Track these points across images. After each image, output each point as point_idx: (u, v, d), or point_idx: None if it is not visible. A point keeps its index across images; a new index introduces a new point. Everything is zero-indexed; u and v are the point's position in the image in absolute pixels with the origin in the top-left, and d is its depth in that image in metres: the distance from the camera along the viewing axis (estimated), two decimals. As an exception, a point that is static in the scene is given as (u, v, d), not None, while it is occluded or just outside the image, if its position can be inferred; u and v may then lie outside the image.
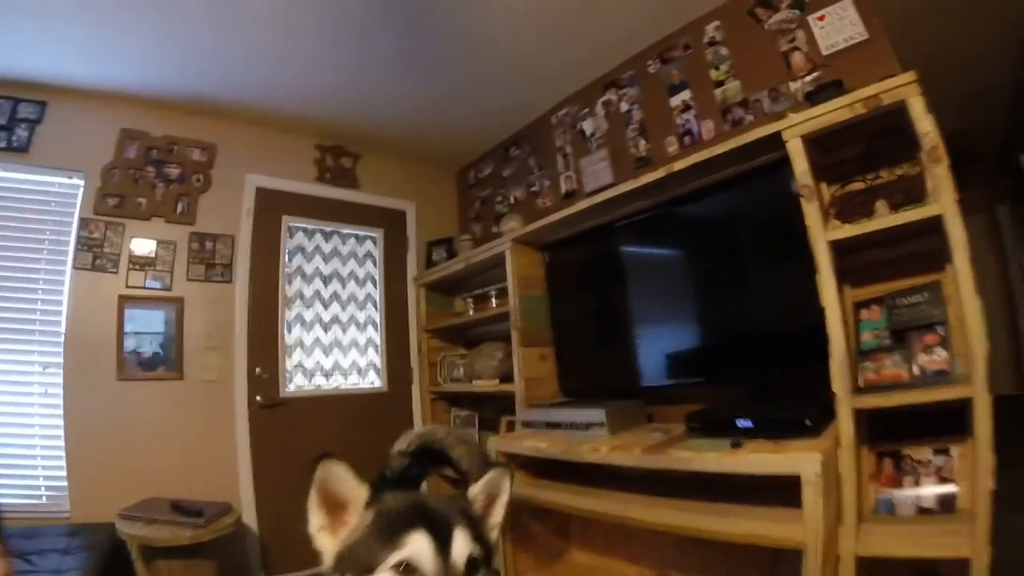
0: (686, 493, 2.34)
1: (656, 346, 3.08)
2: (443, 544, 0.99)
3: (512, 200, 4.67)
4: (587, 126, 3.97)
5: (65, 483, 3.48)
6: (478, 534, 1.08)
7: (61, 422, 3.55)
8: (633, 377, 3.13)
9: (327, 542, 1.11)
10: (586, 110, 3.99)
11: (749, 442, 2.07)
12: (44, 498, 3.43)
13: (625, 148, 3.67)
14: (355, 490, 1.10)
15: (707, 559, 2.50)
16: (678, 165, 2.69)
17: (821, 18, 2.72)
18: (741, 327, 2.70)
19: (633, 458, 2.35)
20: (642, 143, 3.56)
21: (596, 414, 2.81)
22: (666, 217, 3.01)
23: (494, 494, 1.22)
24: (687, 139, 3.27)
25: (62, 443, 3.53)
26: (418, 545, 0.97)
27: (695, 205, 2.85)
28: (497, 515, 1.22)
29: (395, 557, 0.96)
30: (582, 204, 3.28)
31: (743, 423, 2.16)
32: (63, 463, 3.52)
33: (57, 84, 3.76)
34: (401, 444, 1.89)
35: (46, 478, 3.53)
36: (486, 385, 4.05)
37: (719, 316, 2.81)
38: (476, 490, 1.19)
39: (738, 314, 2.72)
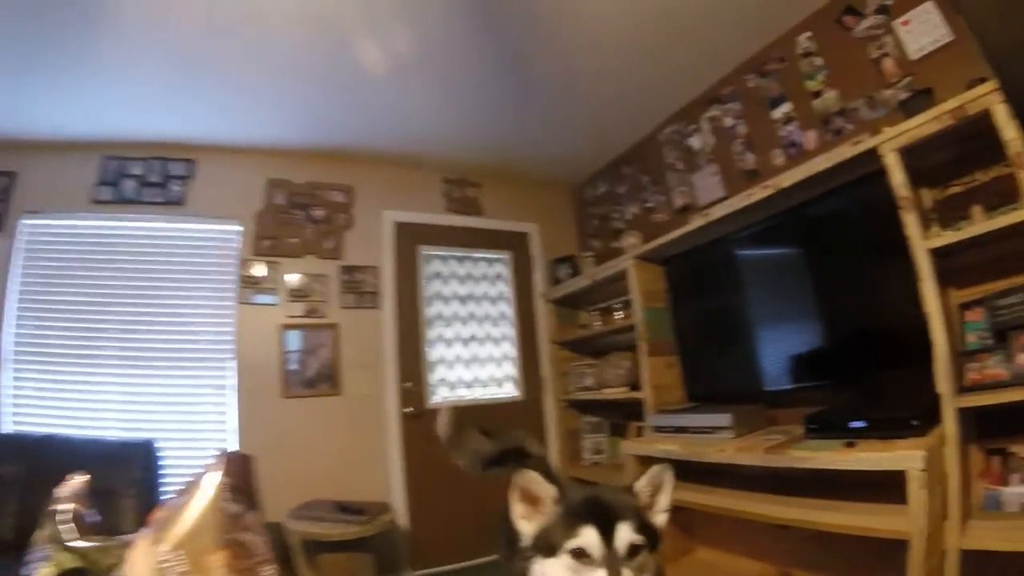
0: (802, 491, 2.45)
1: (772, 352, 3.16)
2: (608, 534, 1.16)
3: (628, 216, 4.79)
4: (695, 142, 4.06)
5: None
6: (642, 523, 1.23)
7: (231, 436, 4.08)
8: (754, 381, 3.21)
9: (526, 527, 1.32)
10: (692, 126, 4.07)
11: (861, 441, 2.17)
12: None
13: (733, 162, 3.73)
14: (546, 489, 1.30)
15: (825, 555, 2.58)
16: (786, 182, 2.79)
17: (906, 23, 2.71)
18: (853, 331, 2.73)
19: (756, 458, 2.48)
20: (749, 156, 3.61)
21: (723, 418, 2.92)
22: (778, 226, 3.07)
23: (658, 485, 1.34)
24: (792, 150, 3.31)
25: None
26: (588, 536, 1.16)
27: (805, 212, 2.89)
28: (662, 503, 1.35)
29: (572, 544, 1.17)
30: (700, 220, 3.37)
31: (855, 424, 2.25)
32: None
33: (204, 144, 4.31)
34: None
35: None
36: (615, 393, 4.20)
37: (831, 321, 2.83)
38: (642, 483, 1.32)
39: (849, 318, 2.75)
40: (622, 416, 4.52)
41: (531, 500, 1.33)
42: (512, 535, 1.37)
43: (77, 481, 2.08)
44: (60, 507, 1.84)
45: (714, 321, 3.57)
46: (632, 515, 1.23)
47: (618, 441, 4.56)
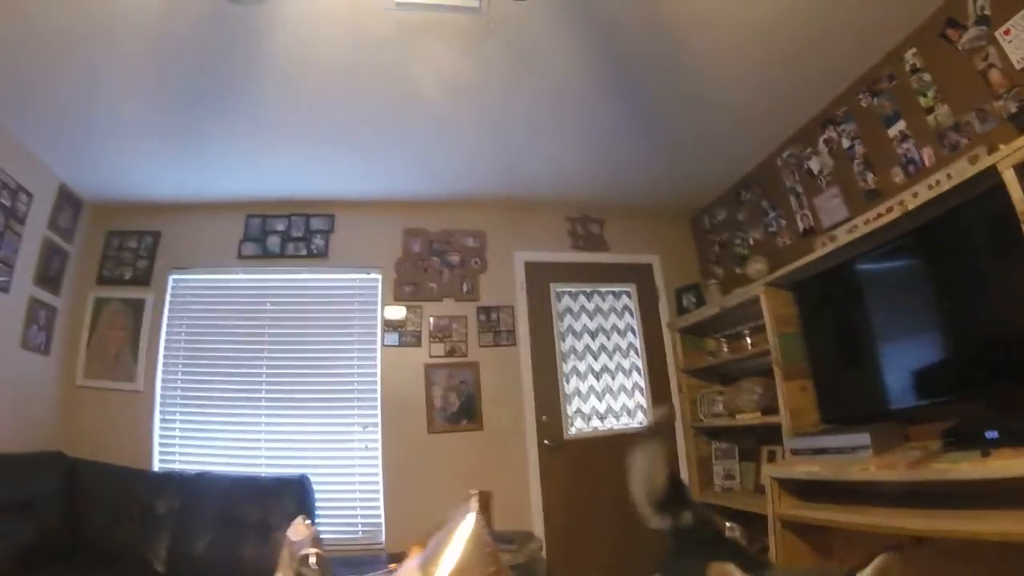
0: (939, 504, 2.51)
1: (902, 370, 3.21)
2: None
3: (751, 241, 4.98)
4: (813, 165, 4.20)
5: (380, 520, 4.50)
6: None
7: (378, 470, 4.57)
8: (886, 400, 3.27)
9: None
10: (809, 149, 4.22)
11: (996, 451, 2.27)
12: (360, 532, 4.44)
13: (854, 182, 3.84)
14: None
15: (968, 569, 2.63)
16: (911, 203, 2.85)
17: (1007, 32, 2.75)
18: (981, 344, 2.78)
19: (898, 474, 2.55)
20: (869, 176, 3.71)
21: (861, 438, 3.00)
22: (904, 244, 3.09)
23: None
24: (911, 168, 3.38)
25: (378, 487, 4.58)
26: None
27: (929, 228, 2.91)
28: None
29: None
30: (828, 244, 3.51)
31: (990, 435, 2.34)
32: (379, 503, 4.53)
33: (343, 199, 4.96)
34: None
35: (363, 516, 4.54)
36: (749, 418, 4.32)
37: (959, 336, 2.89)
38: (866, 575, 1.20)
39: (977, 332, 2.80)
40: (753, 441, 4.69)
41: None
42: None
43: (305, 524, 2.09)
44: (304, 552, 1.84)
45: (846, 343, 3.64)
46: None
47: (749, 466, 4.78)
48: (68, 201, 4.55)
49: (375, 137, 4.13)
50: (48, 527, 3.53)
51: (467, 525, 1.50)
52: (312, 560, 1.81)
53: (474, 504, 1.57)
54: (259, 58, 3.23)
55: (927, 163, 3.31)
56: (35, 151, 4.09)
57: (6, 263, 3.90)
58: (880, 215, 3.33)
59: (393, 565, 1.97)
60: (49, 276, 4.37)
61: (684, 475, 5.01)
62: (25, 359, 4.15)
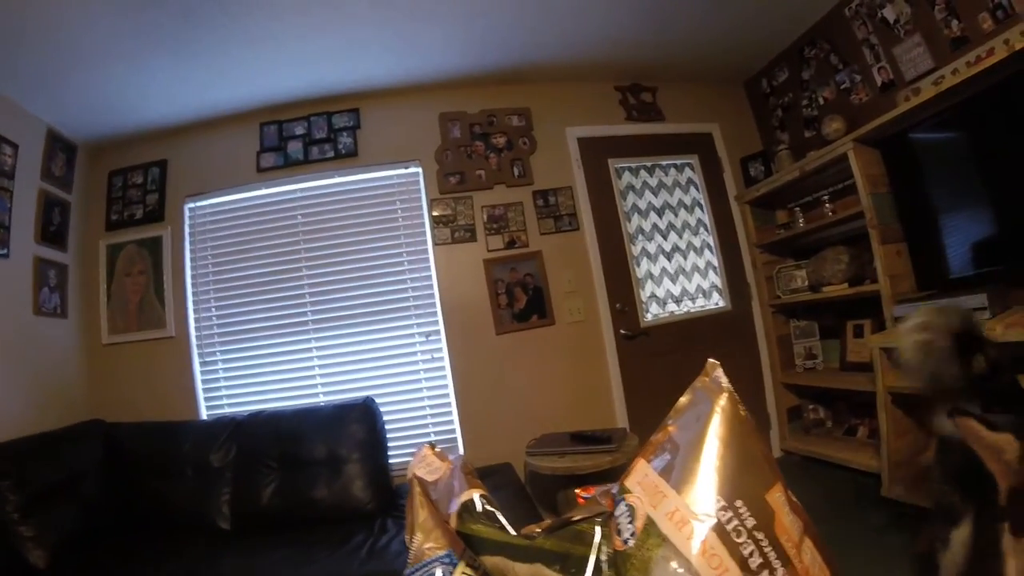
0: None
1: (1015, 228, 3.53)
2: None
3: (820, 101, 5.42)
4: (888, 13, 4.51)
5: (455, 435, 5.03)
6: None
7: (447, 382, 5.13)
8: (993, 261, 3.67)
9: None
10: None
11: None
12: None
13: (937, 30, 4.17)
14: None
15: None
16: (1019, 44, 3.19)
17: None
18: None
19: None
20: (954, 23, 4.04)
21: (977, 299, 3.36)
22: (1001, 92, 3.40)
23: None
24: (999, 13, 3.74)
25: (449, 400, 5.12)
26: None
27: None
28: None
29: None
30: (924, 94, 3.80)
31: None
32: (451, 417, 5.10)
33: (367, 89, 5.36)
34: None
35: (436, 433, 5.04)
36: (837, 290, 4.79)
37: None
38: None
39: None
40: (834, 317, 5.35)
41: None
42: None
43: (436, 452, 2.02)
44: (463, 499, 1.70)
45: (942, 201, 4.00)
46: None
47: (832, 344, 5.45)
48: (59, 146, 4.97)
49: (401, 7, 4.25)
50: (96, 505, 3.91)
51: (720, 409, 1.43)
52: (479, 503, 1.68)
53: (722, 377, 1.51)
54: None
55: (1018, 9, 3.68)
56: (11, 95, 4.40)
57: (0, 225, 4.27)
58: (969, 64, 3.77)
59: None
60: (52, 231, 4.81)
61: (764, 357, 5.75)
62: (42, 326, 4.61)
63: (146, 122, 5.21)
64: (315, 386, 5.17)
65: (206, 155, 5.43)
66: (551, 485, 4.10)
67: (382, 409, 4.67)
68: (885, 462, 4.02)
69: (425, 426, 5.13)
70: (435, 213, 5.34)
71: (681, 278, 5.77)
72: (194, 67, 4.56)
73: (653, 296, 5.65)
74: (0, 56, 3.95)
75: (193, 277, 5.29)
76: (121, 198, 5.32)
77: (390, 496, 4.28)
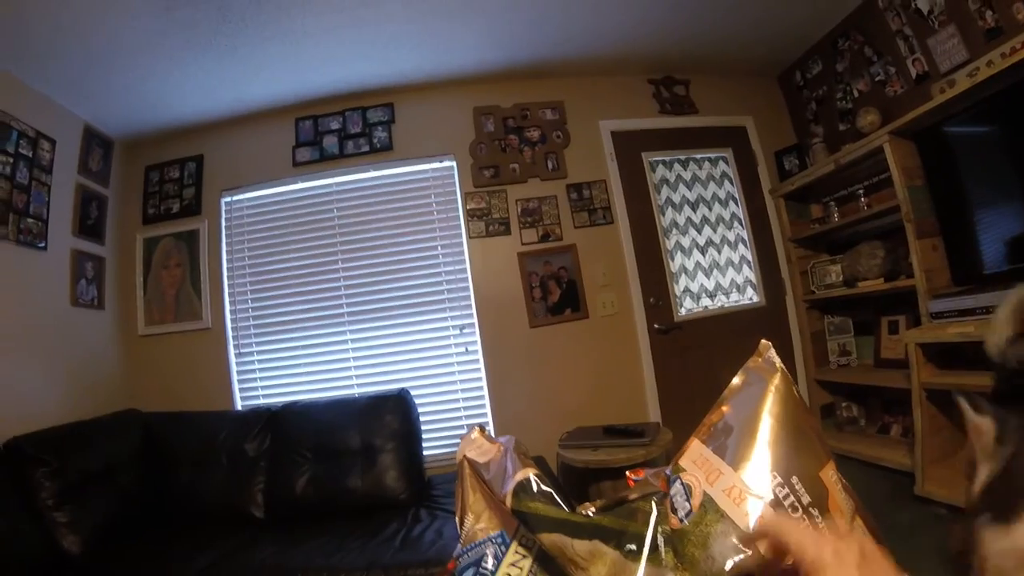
0: None
1: None
2: None
3: (855, 94, 5.45)
4: (922, 4, 4.52)
5: (489, 426, 5.07)
6: None
7: (481, 374, 5.24)
8: None
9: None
10: None
11: None
12: (469, 442, 5.05)
13: (972, 21, 4.20)
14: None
15: None
16: None
17: None
18: None
19: None
20: (988, 13, 4.06)
21: None
22: None
23: None
24: None
25: (482, 392, 5.23)
26: None
27: None
28: None
29: None
30: (957, 87, 3.83)
31: None
32: (485, 409, 5.21)
33: (401, 84, 5.42)
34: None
35: (468, 426, 4.73)
36: (873, 285, 4.82)
37: None
38: None
39: None
40: (869, 313, 5.37)
41: None
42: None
43: (485, 434, 2.05)
44: (518, 479, 1.67)
45: (980, 195, 3.99)
46: None
47: (866, 340, 5.46)
48: (96, 141, 5.15)
49: (433, 2, 4.35)
50: (131, 494, 4.02)
51: (774, 388, 1.46)
52: (534, 483, 1.67)
53: (774, 357, 1.55)
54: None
55: (1053, -2, 3.69)
56: (48, 93, 4.56)
57: (38, 218, 4.40)
58: (1004, 55, 3.78)
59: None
60: (89, 225, 4.98)
61: (797, 353, 5.78)
62: (79, 317, 4.77)
63: (182, 118, 5.38)
64: (350, 378, 5.29)
65: (242, 150, 5.58)
66: (584, 478, 4.10)
67: (416, 401, 4.74)
68: (919, 460, 4.01)
69: (458, 418, 5.22)
70: (469, 206, 5.43)
71: (715, 272, 5.82)
72: (230, 63, 4.67)
73: (687, 291, 5.70)
74: (37, 55, 4.10)
75: (229, 270, 5.45)
76: (157, 192, 5.51)
77: (423, 487, 4.38)
